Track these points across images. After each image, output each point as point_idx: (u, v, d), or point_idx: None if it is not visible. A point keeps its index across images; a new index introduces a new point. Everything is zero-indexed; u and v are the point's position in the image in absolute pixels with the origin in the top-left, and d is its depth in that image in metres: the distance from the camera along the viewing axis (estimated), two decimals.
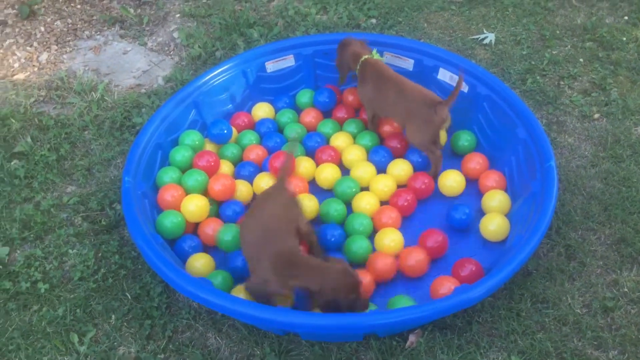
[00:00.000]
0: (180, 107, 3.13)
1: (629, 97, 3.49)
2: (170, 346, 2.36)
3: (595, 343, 2.31)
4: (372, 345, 2.34)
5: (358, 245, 2.63)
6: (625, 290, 2.48)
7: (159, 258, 2.33)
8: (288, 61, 3.47)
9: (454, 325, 2.38)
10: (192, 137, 3.11)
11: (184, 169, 2.97)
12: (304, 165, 3.03)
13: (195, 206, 2.75)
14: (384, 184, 2.91)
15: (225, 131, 3.14)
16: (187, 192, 2.84)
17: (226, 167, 3.05)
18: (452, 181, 2.94)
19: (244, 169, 3.03)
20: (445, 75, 3.31)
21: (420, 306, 2.20)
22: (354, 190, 2.90)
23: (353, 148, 3.11)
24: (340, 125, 3.31)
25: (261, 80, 3.45)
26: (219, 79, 3.29)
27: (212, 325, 2.43)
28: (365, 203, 2.83)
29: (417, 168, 3.06)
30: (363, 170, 2.99)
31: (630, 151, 3.14)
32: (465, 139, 3.13)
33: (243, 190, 2.94)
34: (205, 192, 2.88)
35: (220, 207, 2.85)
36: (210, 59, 3.84)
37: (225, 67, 3.32)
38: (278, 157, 2.99)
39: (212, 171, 2.96)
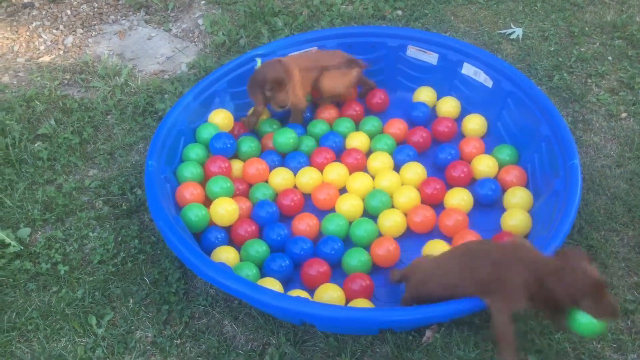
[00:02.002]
0: (204, 95, 3.13)
1: None
2: (187, 332, 2.38)
3: (614, 346, 2.28)
4: (388, 339, 2.33)
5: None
6: None
7: (180, 240, 2.34)
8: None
9: (471, 322, 2.36)
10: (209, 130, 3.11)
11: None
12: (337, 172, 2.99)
13: (225, 210, 2.72)
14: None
15: (229, 145, 3.05)
16: (211, 197, 2.81)
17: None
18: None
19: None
20: (469, 70, 3.28)
21: (440, 305, 2.18)
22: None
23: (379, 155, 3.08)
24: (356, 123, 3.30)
25: None
26: (242, 69, 3.27)
27: (229, 313, 2.43)
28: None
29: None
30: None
31: None
32: (506, 153, 3.05)
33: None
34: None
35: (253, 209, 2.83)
36: (234, 47, 3.84)
37: (246, 58, 3.29)
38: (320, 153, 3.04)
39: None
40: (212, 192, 2.79)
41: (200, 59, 3.76)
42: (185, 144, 3.01)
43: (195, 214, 2.64)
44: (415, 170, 2.95)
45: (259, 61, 3.14)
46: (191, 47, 3.93)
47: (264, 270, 2.55)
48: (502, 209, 2.82)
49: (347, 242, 2.72)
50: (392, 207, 2.83)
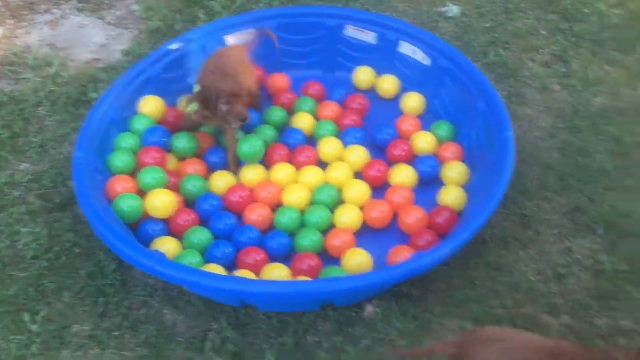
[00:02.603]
0: (136, 82, 3.06)
1: (589, 69, 3.52)
2: (125, 323, 2.34)
3: (547, 309, 2.35)
4: (330, 315, 2.35)
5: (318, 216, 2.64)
6: (578, 257, 2.53)
7: (109, 230, 2.30)
8: (249, 35, 3.41)
9: (410, 294, 2.40)
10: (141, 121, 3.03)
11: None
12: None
13: (160, 201, 2.64)
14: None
15: (164, 139, 2.96)
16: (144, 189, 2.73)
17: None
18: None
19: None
20: (407, 49, 3.30)
21: (374, 272, 2.22)
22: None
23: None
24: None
25: None
26: (176, 53, 3.22)
27: (168, 301, 2.41)
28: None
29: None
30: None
31: (588, 122, 3.17)
32: (444, 129, 3.07)
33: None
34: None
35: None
36: (169, 32, 3.77)
37: (183, 41, 3.24)
38: None
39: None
40: (143, 183, 2.71)
41: (134, 45, 3.69)
42: (117, 132, 2.94)
43: (127, 204, 2.59)
44: (357, 153, 2.95)
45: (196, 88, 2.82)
46: (126, 34, 3.84)
47: (207, 257, 2.51)
48: (442, 185, 2.85)
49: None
50: (342, 200, 2.80)
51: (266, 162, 2.94)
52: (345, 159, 2.95)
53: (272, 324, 2.34)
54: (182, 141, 2.94)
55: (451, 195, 2.72)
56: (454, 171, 2.83)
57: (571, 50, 3.63)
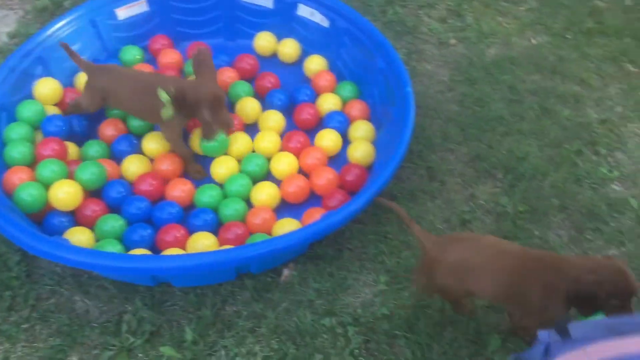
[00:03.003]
0: (24, 63, 2.90)
1: (482, 21, 3.63)
2: (35, 314, 2.25)
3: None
4: (247, 284, 2.34)
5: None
6: (481, 202, 2.63)
7: (6, 220, 2.19)
8: (141, 6, 3.30)
9: (325, 255, 2.43)
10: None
11: (35, 125, 2.81)
12: None
13: (65, 193, 2.50)
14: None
15: (64, 127, 2.83)
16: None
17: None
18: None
19: None
20: (305, 11, 3.29)
21: (287, 235, 2.22)
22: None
23: None
24: None
25: (113, 29, 3.26)
26: (65, 31, 3.07)
27: (78, 288, 2.33)
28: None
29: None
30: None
31: (484, 73, 3.29)
32: (348, 89, 3.10)
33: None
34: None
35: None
36: (58, 10, 3.59)
37: (71, 17, 3.09)
38: None
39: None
40: (42, 177, 2.56)
41: (21, 26, 3.49)
42: (7, 120, 2.79)
43: (29, 193, 2.46)
44: (274, 119, 2.94)
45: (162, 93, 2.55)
46: (11, 15, 3.63)
47: (126, 244, 2.42)
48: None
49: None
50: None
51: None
52: (263, 125, 2.93)
53: (189, 298, 2.31)
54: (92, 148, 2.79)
55: (360, 151, 2.75)
56: (361, 129, 2.87)
57: (465, 4, 3.73)
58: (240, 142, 2.82)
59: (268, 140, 2.83)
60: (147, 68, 3.16)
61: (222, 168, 2.73)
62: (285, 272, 2.39)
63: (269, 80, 3.15)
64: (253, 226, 2.50)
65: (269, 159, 2.79)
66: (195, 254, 2.22)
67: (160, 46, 3.32)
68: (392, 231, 2.51)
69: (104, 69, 2.79)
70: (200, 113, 2.49)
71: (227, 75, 3.15)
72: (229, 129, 2.63)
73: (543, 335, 1.52)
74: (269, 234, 2.47)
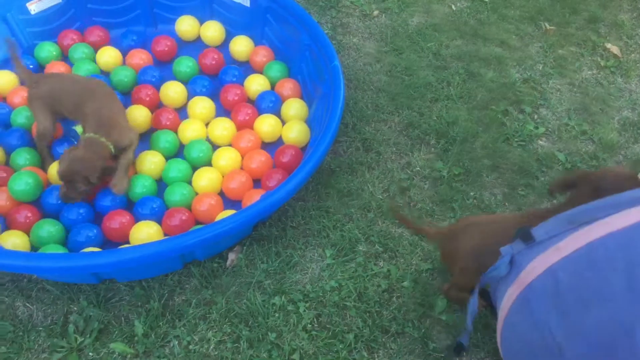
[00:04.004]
0: None
1: None
2: None
3: (397, 222, 2.49)
4: (194, 272, 2.33)
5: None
6: (417, 169, 2.69)
7: None
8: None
9: (270, 235, 2.44)
10: None
11: None
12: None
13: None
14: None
15: None
16: None
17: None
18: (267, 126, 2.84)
19: None
20: None
21: (228, 218, 2.20)
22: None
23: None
24: None
25: (27, 23, 3.12)
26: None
27: (19, 293, 2.25)
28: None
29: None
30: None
31: (409, 42, 3.34)
32: (276, 69, 3.08)
33: None
34: None
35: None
36: None
37: None
38: None
39: None
40: None
41: None
42: None
43: None
44: (203, 105, 2.89)
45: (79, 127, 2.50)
46: None
47: (71, 247, 2.34)
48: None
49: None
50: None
51: None
52: (191, 110, 2.90)
53: (136, 292, 2.27)
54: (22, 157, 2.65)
55: (294, 132, 2.76)
56: (293, 108, 2.87)
57: None
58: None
59: (195, 128, 2.80)
60: (62, 66, 3.05)
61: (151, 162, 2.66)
62: (232, 256, 2.38)
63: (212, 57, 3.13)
64: (198, 213, 2.47)
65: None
66: (136, 246, 2.17)
67: (70, 41, 3.20)
68: (333, 205, 2.54)
69: (47, 76, 2.69)
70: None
71: (139, 57, 3.12)
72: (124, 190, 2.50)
73: (505, 249, 1.56)
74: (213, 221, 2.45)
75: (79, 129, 2.42)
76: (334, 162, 2.69)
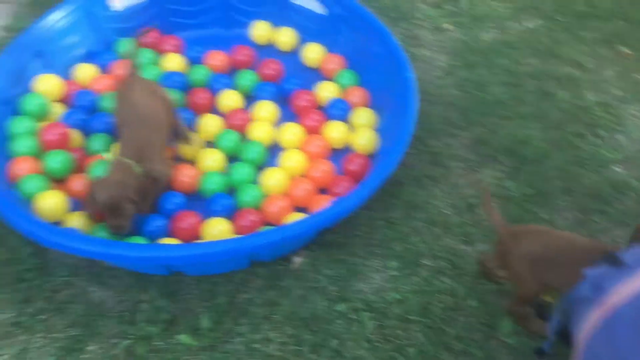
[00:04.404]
0: (22, 57, 2.88)
1: (476, 6, 3.67)
2: (51, 306, 2.26)
3: (463, 238, 2.48)
4: (259, 272, 2.37)
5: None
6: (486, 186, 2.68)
7: (18, 214, 2.20)
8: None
9: (335, 242, 2.46)
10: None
11: (39, 118, 2.80)
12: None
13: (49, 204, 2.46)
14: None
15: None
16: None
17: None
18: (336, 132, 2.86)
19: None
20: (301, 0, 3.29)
21: (296, 222, 2.25)
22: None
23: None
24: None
25: (110, 20, 3.24)
26: (61, 23, 3.05)
27: (93, 279, 2.34)
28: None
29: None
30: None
31: (481, 57, 3.32)
32: (347, 77, 3.09)
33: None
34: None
35: None
36: (51, 3, 3.54)
37: (67, 8, 3.07)
38: None
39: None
40: (51, 168, 2.58)
41: (15, 20, 3.46)
42: (10, 114, 2.77)
43: (34, 185, 2.48)
44: (267, 109, 2.94)
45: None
46: (3, 9, 3.59)
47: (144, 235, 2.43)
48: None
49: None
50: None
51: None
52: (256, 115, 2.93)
53: (203, 287, 2.33)
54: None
55: (363, 139, 2.78)
56: (363, 117, 2.89)
57: None
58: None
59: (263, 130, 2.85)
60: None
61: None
62: (297, 259, 2.42)
63: (272, 67, 3.16)
64: (268, 214, 2.51)
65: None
66: (207, 243, 2.25)
67: (150, 39, 3.28)
68: (398, 217, 2.55)
69: None
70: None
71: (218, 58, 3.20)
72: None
73: (589, 270, 1.52)
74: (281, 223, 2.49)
75: (108, 155, 2.43)
76: (401, 174, 2.69)
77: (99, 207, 2.29)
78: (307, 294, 2.31)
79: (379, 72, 2.98)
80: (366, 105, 2.99)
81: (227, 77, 3.13)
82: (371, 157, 2.76)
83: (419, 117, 2.78)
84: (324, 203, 2.48)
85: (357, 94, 3.01)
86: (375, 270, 2.38)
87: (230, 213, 2.52)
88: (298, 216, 2.44)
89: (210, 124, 2.85)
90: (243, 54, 3.22)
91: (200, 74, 3.10)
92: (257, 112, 2.93)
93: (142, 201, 2.36)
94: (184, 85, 3.06)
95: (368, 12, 3.11)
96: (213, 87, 3.07)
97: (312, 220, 2.27)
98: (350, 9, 3.14)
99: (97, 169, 2.57)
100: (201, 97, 2.99)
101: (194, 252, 2.16)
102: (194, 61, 3.22)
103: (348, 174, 2.67)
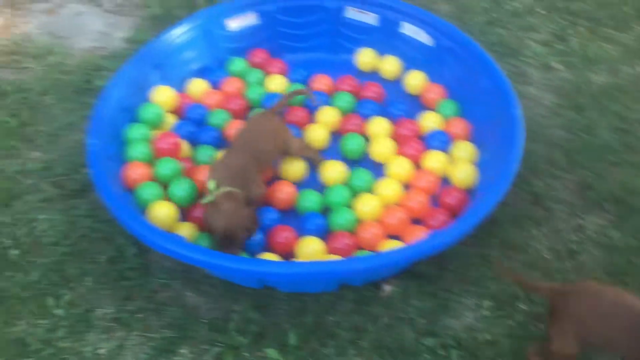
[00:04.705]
0: (143, 68, 3.06)
1: (588, 48, 3.57)
2: (149, 305, 2.36)
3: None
4: (348, 296, 2.38)
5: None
6: (590, 233, 2.58)
7: (131, 216, 2.31)
8: (250, 19, 3.42)
9: (427, 273, 2.44)
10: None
11: (154, 126, 2.95)
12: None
13: (163, 214, 2.57)
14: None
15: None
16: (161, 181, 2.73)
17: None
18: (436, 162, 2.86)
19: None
20: (409, 30, 3.32)
21: (390, 252, 2.25)
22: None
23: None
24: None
25: (224, 39, 3.39)
26: (180, 39, 3.21)
27: (189, 284, 2.43)
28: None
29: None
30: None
31: (591, 99, 3.22)
32: (449, 108, 3.09)
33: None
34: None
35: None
36: (169, 18, 3.75)
37: (186, 25, 3.23)
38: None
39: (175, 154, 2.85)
40: (161, 174, 2.72)
41: (136, 33, 3.68)
42: (127, 120, 2.93)
43: (150, 192, 2.61)
44: (382, 126, 2.98)
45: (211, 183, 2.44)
46: (125, 21, 3.83)
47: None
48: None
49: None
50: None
51: None
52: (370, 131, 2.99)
53: (293, 304, 2.37)
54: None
55: (462, 172, 2.75)
56: (463, 150, 2.86)
57: (569, 29, 3.68)
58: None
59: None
60: (238, 82, 3.27)
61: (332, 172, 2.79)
62: (387, 287, 2.41)
63: (373, 90, 3.20)
64: (362, 239, 2.52)
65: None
66: (303, 263, 2.29)
67: (259, 59, 3.42)
68: (494, 256, 2.50)
69: None
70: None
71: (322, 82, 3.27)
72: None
73: None
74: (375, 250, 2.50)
75: (211, 184, 2.44)
76: (499, 212, 2.62)
77: (215, 237, 2.38)
78: (394, 324, 2.30)
79: (483, 106, 2.95)
80: (467, 138, 2.96)
81: (325, 94, 3.20)
82: (469, 191, 2.73)
83: (522, 155, 2.73)
84: (418, 234, 2.48)
85: (458, 126, 2.99)
86: (467, 307, 2.34)
87: (322, 233, 2.56)
88: (392, 244, 2.44)
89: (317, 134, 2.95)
90: (348, 84, 3.26)
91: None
92: (373, 128, 2.98)
93: (253, 226, 2.43)
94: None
95: (477, 45, 3.09)
96: (311, 106, 3.15)
97: (410, 251, 2.26)
98: (459, 41, 3.13)
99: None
100: (299, 115, 3.08)
101: (295, 271, 2.21)
102: (297, 83, 3.32)
103: (444, 207, 2.65)
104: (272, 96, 3.15)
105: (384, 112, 3.10)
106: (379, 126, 2.98)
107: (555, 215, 2.65)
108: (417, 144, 2.91)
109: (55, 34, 3.71)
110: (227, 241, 2.33)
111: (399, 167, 2.80)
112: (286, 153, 2.78)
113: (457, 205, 2.63)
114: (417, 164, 2.84)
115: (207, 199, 2.41)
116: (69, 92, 3.28)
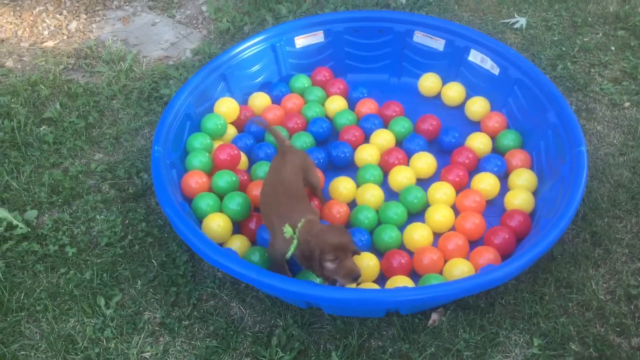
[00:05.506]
0: (210, 79, 3.13)
1: None
2: (195, 313, 2.39)
3: (618, 329, 2.30)
4: (394, 321, 2.34)
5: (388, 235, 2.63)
6: None
7: (187, 226, 2.34)
8: (318, 37, 3.46)
9: (476, 305, 2.38)
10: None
11: (215, 137, 3.02)
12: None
13: (217, 226, 2.60)
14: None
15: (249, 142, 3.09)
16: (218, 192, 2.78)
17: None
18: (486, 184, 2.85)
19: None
20: (476, 57, 3.29)
21: (441, 285, 2.20)
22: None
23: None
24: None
25: (290, 55, 3.44)
26: (248, 53, 3.28)
27: (236, 295, 2.45)
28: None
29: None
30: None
31: None
32: (510, 138, 3.05)
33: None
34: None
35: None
36: (238, 34, 3.84)
37: (255, 40, 3.30)
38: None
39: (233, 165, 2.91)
40: (217, 186, 2.77)
41: (204, 45, 3.76)
42: (190, 129, 3.00)
43: (207, 203, 2.66)
44: (425, 160, 2.96)
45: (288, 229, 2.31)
46: (195, 34, 3.92)
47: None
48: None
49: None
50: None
51: None
52: (412, 166, 2.97)
53: (337, 325, 2.35)
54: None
55: (519, 199, 2.72)
56: (523, 178, 2.81)
57: None
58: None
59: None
60: (297, 99, 3.32)
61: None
62: (434, 316, 2.36)
63: (430, 122, 3.17)
64: (419, 265, 2.52)
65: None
66: (351, 290, 2.23)
67: (322, 78, 3.45)
68: (549, 293, 2.42)
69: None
70: (324, 264, 2.20)
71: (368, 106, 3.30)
72: (355, 280, 2.21)
73: None
74: (439, 272, 2.50)
75: (287, 230, 2.31)
76: (557, 249, 2.57)
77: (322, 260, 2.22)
78: (440, 354, 2.25)
79: (547, 140, 2.88)
80: (528, 168, 2.91)
81: (377, 117, 3.21)
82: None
83: (584, 193, 2.65)
84: (485, 254, 2.46)
85: (518, 157, 2.94)
86: (516, 344, 2.27)
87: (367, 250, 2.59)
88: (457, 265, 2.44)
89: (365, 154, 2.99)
90: (393, 110, 3.26)
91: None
92: (414, 162, 2.97)
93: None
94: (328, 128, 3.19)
95: (546, 77, 3.03)
96: (364, 126, 3.18)
97: (460, 285, 2.18)
98: (526, 72, 3.07)
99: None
100: (354, 134, 3.10)
101: (333, 296, 2.16)
102: (356, 102, 3.34)
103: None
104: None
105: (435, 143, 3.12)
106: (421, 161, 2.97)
107: (614, 257, 2.55)
108: (461, 170, 2.91)
109: (128, 42, 3.84)
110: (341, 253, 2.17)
111: (443, 194, 2.82)
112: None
113: (520, 229, 2.61)
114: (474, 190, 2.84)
115: (293, 246, 2.28)
116: (135, 98, 3.38)
